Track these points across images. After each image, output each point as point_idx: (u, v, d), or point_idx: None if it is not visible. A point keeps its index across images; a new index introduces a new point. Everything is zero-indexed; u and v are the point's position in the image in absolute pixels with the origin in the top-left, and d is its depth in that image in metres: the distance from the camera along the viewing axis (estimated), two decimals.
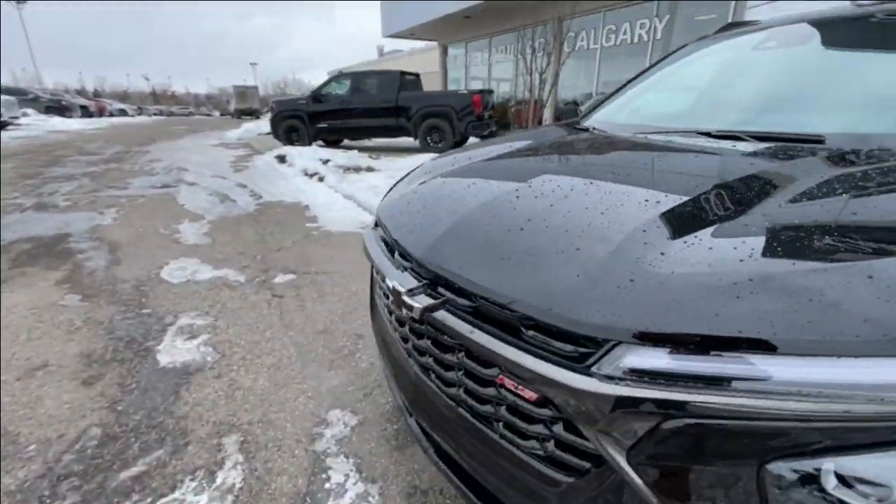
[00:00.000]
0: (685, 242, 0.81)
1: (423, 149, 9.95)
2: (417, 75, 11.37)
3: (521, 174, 1.28)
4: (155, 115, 44.50)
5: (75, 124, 19.09)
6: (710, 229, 0.83)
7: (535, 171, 1.29)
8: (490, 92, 10.85)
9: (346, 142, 12.25)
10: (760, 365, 0.63)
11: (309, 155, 8.30)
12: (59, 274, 3.28)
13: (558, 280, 0.81)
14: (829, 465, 0.62)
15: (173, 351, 2.31)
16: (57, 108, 22.79)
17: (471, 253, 0.99)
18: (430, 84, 20.05)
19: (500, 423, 0.93)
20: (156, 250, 3.82)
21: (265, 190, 6.36)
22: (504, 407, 0.91)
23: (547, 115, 8.98)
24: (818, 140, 1.26)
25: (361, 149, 10.55)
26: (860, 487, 0.60)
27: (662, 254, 0.79)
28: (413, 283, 1.05)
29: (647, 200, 0.97)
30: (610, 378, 0.70)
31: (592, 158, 1.40)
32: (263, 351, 2.31)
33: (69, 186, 6.37)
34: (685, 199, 0.95)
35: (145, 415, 1.84)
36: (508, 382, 0.86)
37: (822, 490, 0.61)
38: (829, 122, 1.35)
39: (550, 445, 0.84)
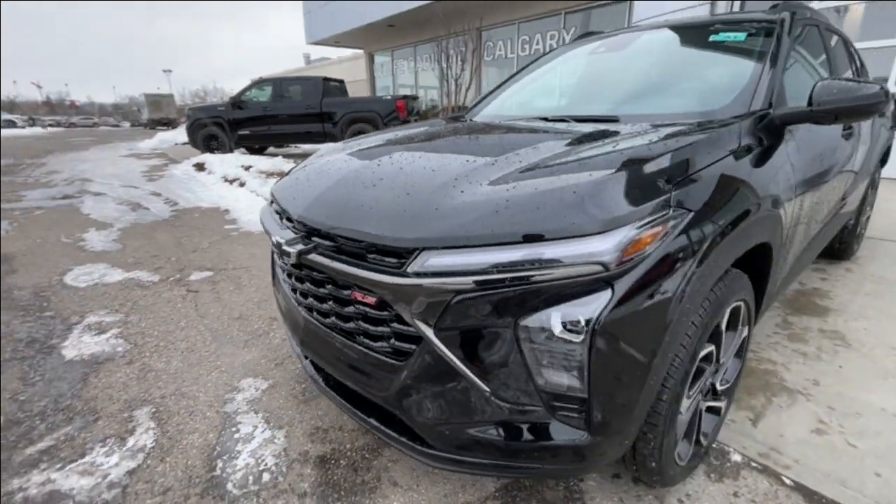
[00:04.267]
0: (479, 183, 1.12)
1: None
2: (341, 81, 11.45)
3: (388, 150, 1.56)
4: (51, 126, 40.19)
5: None
6: (499, 174, 1.15)
7: (399, 147, 1.58)
8: (415, 98, 11.20)
9: (271, 149, 12.02)
10: (500, 254, 0.95)
11: (231, 162, 8.11)
12: None
13: (388, 216, 1.09)
14: (551, 314, 0.94)
15: (80, 345, 2.32)
16: None
17: (335, 207, 1.24)
18: (360, 92, 20.13)
19: (361, 335, 1.19)
20: (58, 258, 3.66)
21: (182, 197, 6.18)
22: (360, 319, 1.17)
23: None
24: (615, 119, 1.67)
25: (286, 155, 10.43)
26: (566, 325, 0.93)
27: (462, 192, 1.10)
28: (292, 236, 1.28)
29: (467, 160, 1.28)
30: (417, 275, 0.99)
31: (449, 137, 1.72)
32: (177, 338, 2.40)
33: None
34: (496, 157, 1.27)
35: (51, 401, 1.88)
36: (358, 295, 1.12)
37: (548, 330, 0.94)
38: (622, 108, 1.78)
39: (392, 340, 1.11)
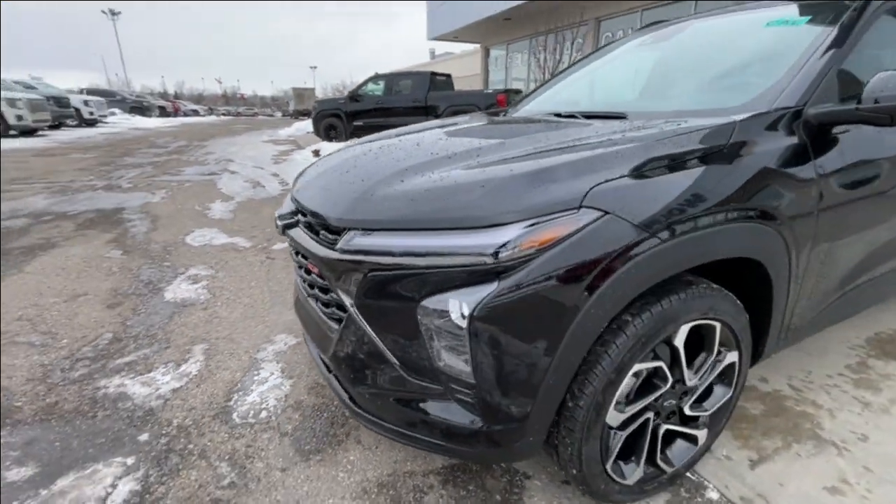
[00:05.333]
0: (422, 175, 1.20)
1: None
2: (448, 76, 11.84)
3: (388, 141, 1.70)
4: (223, 115, 48.35)
5: (152, 122, 21.44)
6: (445, 167, 1.21)
7: (401, 138, 1.71)
8: (517, 92, 11.11)
9: None
10: (408, 239, 1.03)
11: None
12: (110, 236, 4.06)
13: (338, 200, 1.24)
14: (446, 299, 1.00)
15: (178, 291, 2.92)
16: (139, 108, 25.62)
17: (313, 189, 1.43)
18: (476, 85, 20.52)
19: (318, 301, 1.37)
20: (187, 222, 4.55)
21: (294, 179, 7.09)
22: (316, 287, 1.35)
23: None
24: (622, 116, 1.58)
25: None
26: (457, 310, 0.98)
27: (402, 181, 1.19)
28: (285, 212, 1.51)
29: (433, 153, 1.36)
30: (342, 251, 1.12)
31: (455, 129, 1.79)
32: (245, 295, 2.87)
33: (134, 172, 7.45)
34: (460, 152, 1.33)
35: (144, 329, 2.43)
36: (311, 266, 1.30)
37: (442, 313, 1.00)
38: (632, 105, 1.67)
39: (334, 308, 1.27)
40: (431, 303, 1.01)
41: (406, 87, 11.09)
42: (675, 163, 1.09)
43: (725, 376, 1.35)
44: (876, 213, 1.50)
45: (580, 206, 0.97)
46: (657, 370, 1.18)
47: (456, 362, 1.02)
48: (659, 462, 1.30)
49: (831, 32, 1.47)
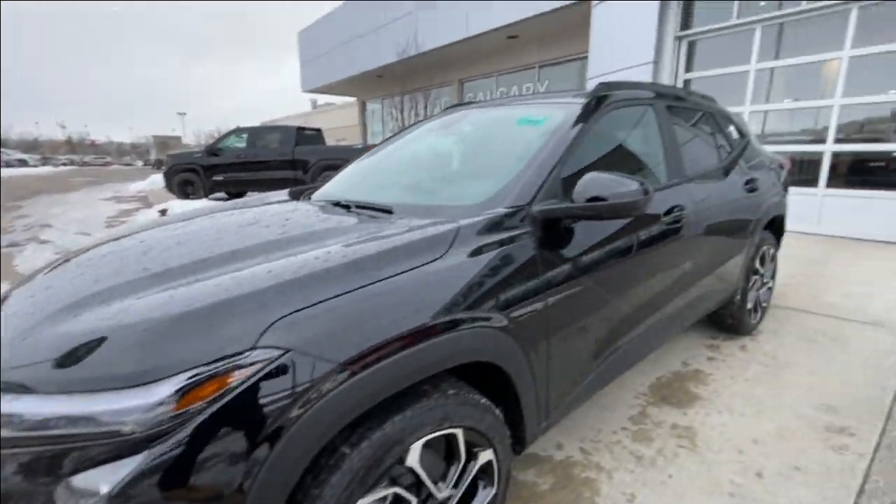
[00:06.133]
0: (103, 305, 1.01)
1: None
2: (318, 130, 11.77)
3: (130, 239, 1.48)
4: (64, 164, 41.58)
5: None
6: (144, 291, 1.04)
7: (145, 236, 1.50)
8: None
9: (255, 195, 12.20)
10: (47, 405, 0.83)
11: None
12: None
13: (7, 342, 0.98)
14: (92, 477, 0.80)
15: None
16: None
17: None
18: (355, 136, 20.82)
19: None
20: None
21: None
22: None
23: None
24: (389, 210, 1.58)
25: None
26: (103, 488, 0.78)
27: (75, 315, 0.99)
28: None
29: (146, 269, 1.18)
30: None
31: (213, 223, 1.64)
32: None
33: None
34: (188, 261, 1.18)
35: None
36: None
37: (90, 494, 0.80)
38: (399, 197, 1.72)
39: None
40: (73, 483, 0.80)
41: (272, 140, 10.70)
42: (388, 279, 1.07)
43: (486, 474, 1.33)
44: (612, 290, 1.68)
45: (254, 347, 0.87)
46: (396, 496, 1.10)
47: None
48: None
49: (564, 130, 1.67)
